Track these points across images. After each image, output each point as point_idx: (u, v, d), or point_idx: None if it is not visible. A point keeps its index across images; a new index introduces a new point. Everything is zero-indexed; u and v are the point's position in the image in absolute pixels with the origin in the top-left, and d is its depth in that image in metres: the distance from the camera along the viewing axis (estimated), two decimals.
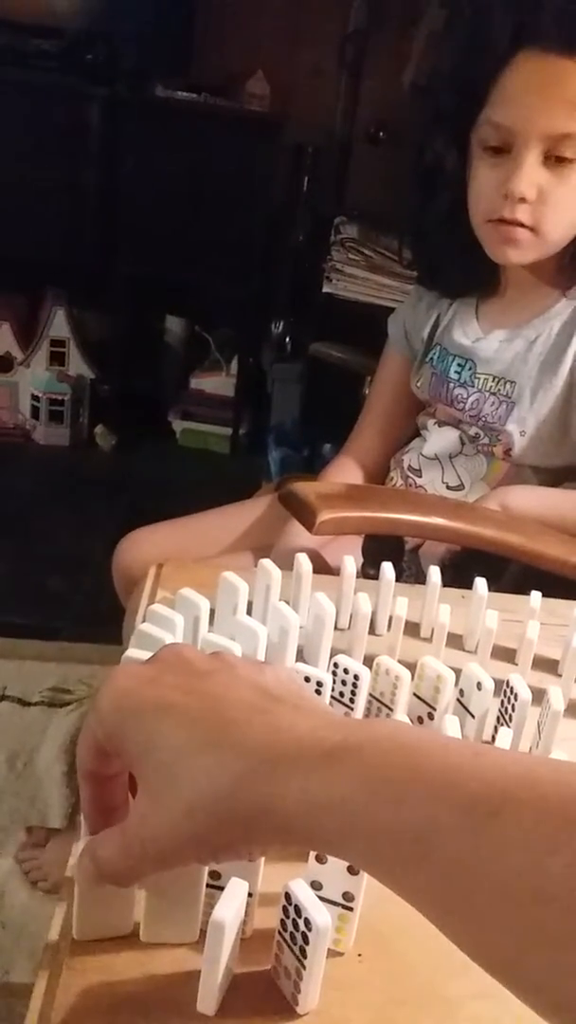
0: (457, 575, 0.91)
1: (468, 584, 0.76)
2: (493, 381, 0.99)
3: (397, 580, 0.83)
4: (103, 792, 0.41)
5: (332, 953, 0.44)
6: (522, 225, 0.90)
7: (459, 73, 0.94)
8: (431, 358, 1.07)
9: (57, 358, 2.75)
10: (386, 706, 0.60)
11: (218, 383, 2.87)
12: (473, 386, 1.01)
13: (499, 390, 0.98)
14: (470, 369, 1.02)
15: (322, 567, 0.89)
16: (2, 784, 1.44)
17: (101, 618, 1.36)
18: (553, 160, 0.87)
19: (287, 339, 2.63)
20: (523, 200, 0.88)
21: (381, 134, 2.54)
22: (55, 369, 2.75)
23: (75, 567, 2.03)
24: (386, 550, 0.98)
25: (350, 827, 0.34)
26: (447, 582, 0.93)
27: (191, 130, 2.51)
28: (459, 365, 1.03)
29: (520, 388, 0.96)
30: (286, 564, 0.74)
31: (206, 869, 0.42)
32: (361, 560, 1.00)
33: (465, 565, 0.94)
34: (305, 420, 2.04)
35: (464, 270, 1.01)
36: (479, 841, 0.31)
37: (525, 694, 0.60)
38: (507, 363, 0.98)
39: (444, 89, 0.97)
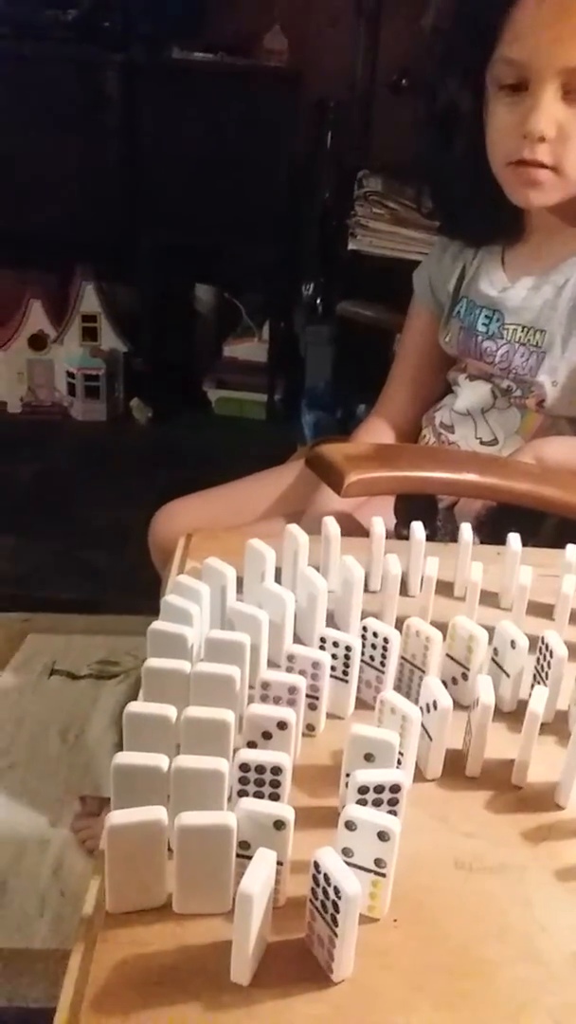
0: (493, 532, 0.89)
1: (504, 541, 0.74)
2: (522, 331, 0.96)
3: (431, 539, 0.81)
4: None
5: (367, 919, 0.44)
6: (543, 166, 0.86)
7: (470, 10, 0.90)
8: (458, 311, 1.04)
9: (89, 333, 2.75)
10: (418, 668, 0.59)
11: (251, 349, 2.85)
12: (502, 338, 0.98)
13: (529, 340, 0.95)
14: (498, 320, 0.99)
15: (355, 529, 0.87)
16: (56, 757, 1.47)
17: (143, 590, 1.36)
18: (573, 95, 0.84)
19: (318, 300, 2.59)
20: (543, 139, 0.85)
21: (404, 82, 2.46)
22: (88, 345, 2.75)
23: (117, 541, 2.05)
24: (419, 510, 0.96)
25: None
26: (483, 539, 0.91)
27: (210, 91, 2.47)
28: (487, 317, 1.00)
29: (550, 336, 0.93)
30: (318, 529, 0.73)
31: (235, 839, 0.42)
32: (394, 521, 0.98)
33: (501, 521, 0.92)
34: (337, 381, 2.01)
35: (486, 217, 0.98)
36: None
37: (561, 650, 0.58)
38: (536, 311, 0.95)
39: (456, 28, 0.93)
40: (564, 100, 0.84)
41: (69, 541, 2.13)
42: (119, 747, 0.48)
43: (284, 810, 0.43)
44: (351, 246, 1.85)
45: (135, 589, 1.84)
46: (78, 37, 2.41)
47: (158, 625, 0.56)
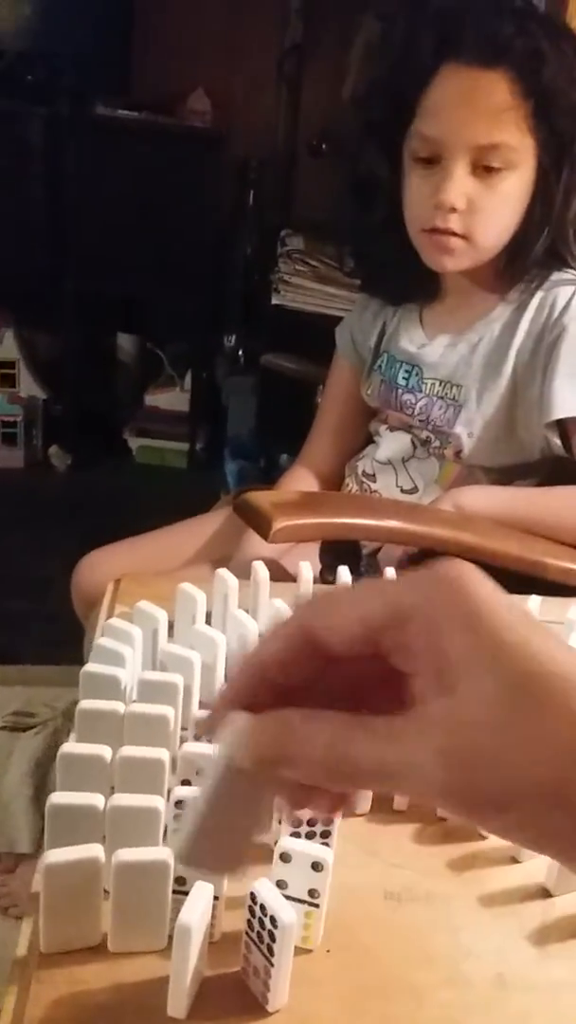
0: None
1: None
2: (440, 385, 1.01)
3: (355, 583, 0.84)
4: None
5: (300, 950, 0.45)
6: (455, 234, 0.92)
7: (389, 86, 0.96)
8: (379, 365, 1.08)
9: (7, 380, 2.72)
10: None
11: (173, 398, 2.86)
12: (421, 391, 1.03)
13: (446, 394, 1.00)
14: (417, 375, 1.03)
15: (281, 575, 0.89)
16: None
17: (62, 640, 1.35)
18: (482, 169, 0.90)
19: (240, 351, 2.63)
20: (454, 210, 0.90)
21: (323, 146, 2.57)
22: (6, 391, 2.72)
23: (35, 590, 2.01)
24: (343, 555, 0.99)
25: None
26: None
27: (134, 148, 2.52)
28: (406, 371, 1.04)
29: (466, 391, 0.98)
30: (245, 574, 0.74)
31: (171, 876, 0.43)
32: (319, 566, 1.01)
33: (422, 566, 0.95)
34: (260, 431, 2.05)
35: (405, 278, 1.03)
36: None
37: None
38: (452, 367, 1.00)
39: (375, 102, 0.99)
40: (474, 174, 0.90)
41: None
42: (35, 801, 0.48)
43: None
44: (275, 300, 1.91)
45: (54, 639, 1.81)
46: (2, 89, 2.44)
47: (91, 667, 0.57)
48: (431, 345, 1.03)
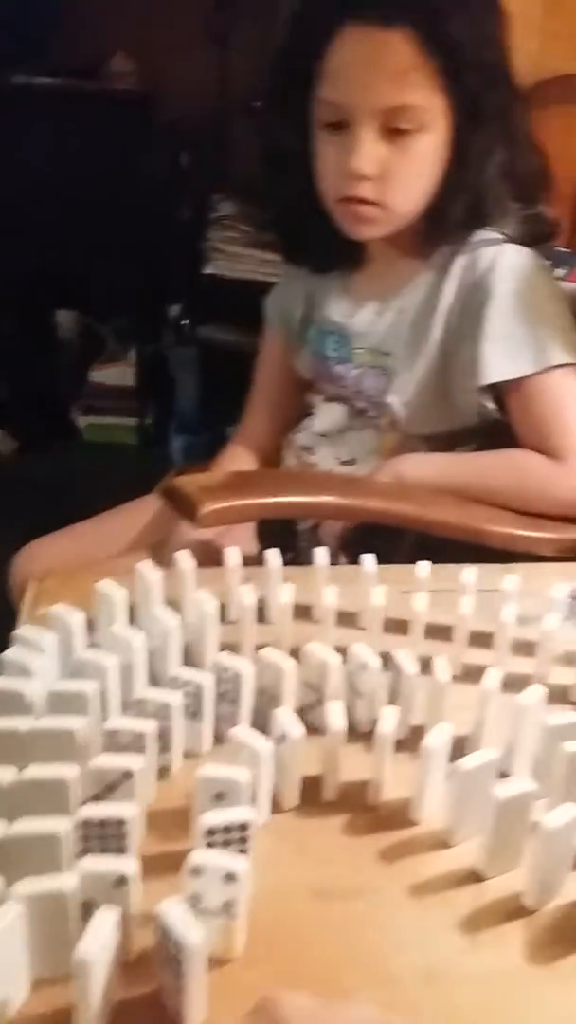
0: (357, 551, 0.90)
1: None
2: (370, 354, 0.98)
3: (296, 562, 0.82)
4: None
5: (221, 962, 0.43)
6: (369, 202, 0.88)
7: (290, 51, 0.92)
8: (308, 337, 1.05)
9: None
10: (274, 698, 0.59)
11: (118, 374, 2.80)
12: (351, 361, 1.00)
13: (377, 362, 0.98)
14: (346, 344, 1.01)
15: (218, 559, 0.87)
16: None
17: (8, 636, 1.32)
18: (392, 132, 0.86)
19: (185, 322, 2.58)
20: (365, 177, 0.87)
21: (258, 105, 2.49)
22: None
23: None
24: (279, 533, 0.97)
25: None
26: (349, 559, 0.92)
27: (57, 116, 2.43)
28: (335, 341, 1.02)
29: (396, 358, 0.96)
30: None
31: (74, 902, 0.41)
32: (257, 547, 0.99)
33: (364, 540, 0.93)
34: (204, 405, 2.01)
35: (326, 247, 0.99)
36: None
37: (410, 668, 0.59)
38: (381, 335, 0.97)
39: (278, 69, 0.95)
40: (384, 138, 0.86)
41: None
42: None
43: (125, 865, 0.42)
44: (207, 270, 1.85)
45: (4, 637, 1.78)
46: None
47: None
48: (358, 313, 1.00)
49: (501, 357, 0.89)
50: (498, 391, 0.92)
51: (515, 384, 0.90)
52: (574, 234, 1.07)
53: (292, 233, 1.04)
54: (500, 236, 0.92)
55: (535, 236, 0.94)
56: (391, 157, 0.86)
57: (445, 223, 0.91)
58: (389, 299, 0.97)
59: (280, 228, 1.07)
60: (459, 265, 0.92)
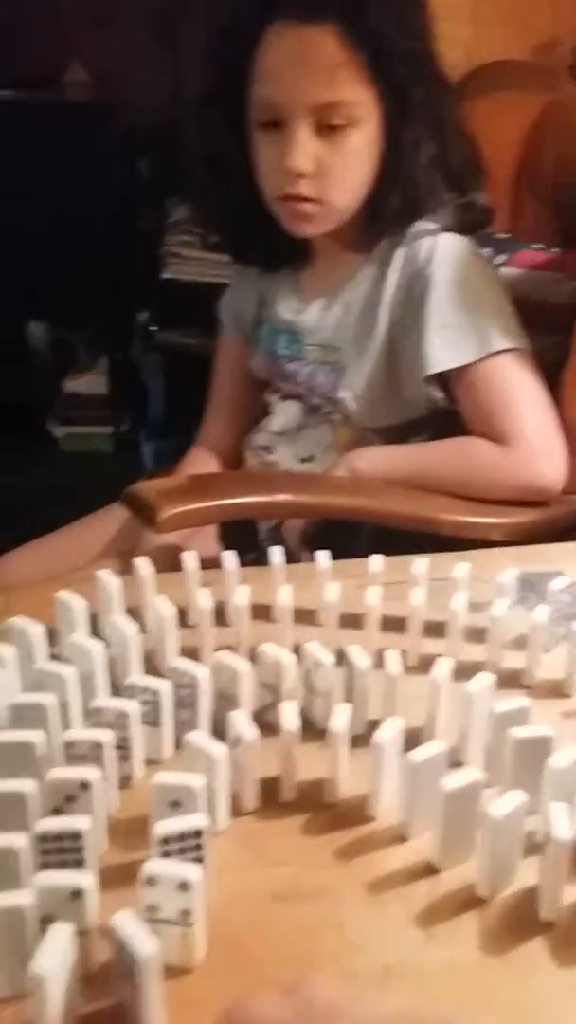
0: (319, 546, 0.91)
1: (333, 553, 0.75)
2: (321, 350, 0.99)
3: (258, 562, 0.82)
4: None
5: (180, 971, 0.44)
6: (308, 199, 0.89)
7: (222, 52, 0.92)
8: (260, 336, 1.06)
9: None
10: (231, 700, 0.60)
11: (92, 383, 2.81)
12: (304, 359, 1.01)
13: (328, 358, 0.98)
14: (298, 342, 1.01)
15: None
16: None
17: None
18: (327, 129, 0.87)
19: (153, 328, 2.58)
20: (302, 175, 0.87)
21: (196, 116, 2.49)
22: None
23: None
24: (240, 533, 0.97)
25: None
26: (312, 555, 0.93)
27: (14, 128, 2.43)
28: (287, 339, 1.02)
29: (345, 353, 0.97)
30: (158, 565, 0.72)
31: (30, 918, 0.41)
32: (220, 549, 0.99)
33: (325, 533, 0.94)
34: (172, 410, 2.01)
35: (271, 246, 1.00)
36: None
37: (362, 663, 0.60)
38: (330, 330, 0.98)
39: (210, 71, 0.95)
40: (319, 134, 0.87)
41: None
42: None
43: (81, 879, 0.42)
44: (165, 275, 1.86)
45: None
46: None
47: None
48: (308, 310, 1.01)
49: (444, 346, 0.90)
50: (445, 380, 0.93)
51: (460, 372, 0.91)
52: (513, 220, 1.08)
53: (237, 233, 1.05)
54: (436, 226, 0.93)
55: (471, 224, 0.95)
56: (326, 153, 0.87)
57: (382, 216, 0.92)
58: (335, 294, 0.98)
59: (225, 229, 1.08)
60: (399, 257, 0.93)
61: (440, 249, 0.91)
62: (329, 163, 0.87)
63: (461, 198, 0.94)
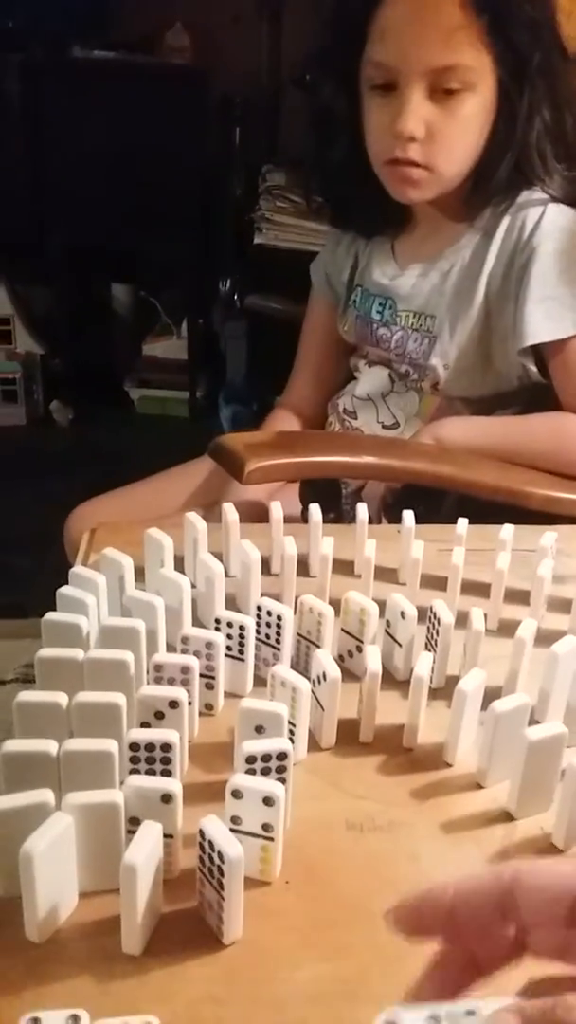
0: (399, 512, 0.91)
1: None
2: (414, 317, 0.99)
3: (339, 522, 0.84)
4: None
5: (259, 883, 0.45)
6: (416, 164, 0.89)
7: (338, 13, 0.92)
8: (353, 300, 1.06)
9: (3, 336, 2.71)
10: (313, 643, 0.61)
11: (170, 347, 2.84)
12: (396, 324, 1.00)
13: (420, 325, 0.98)
14: (391, 308, 1.01)
15: (266, 517, 0.89)
16: None
17: None
18: (441, 93, 0.86)
19: (235, 296, 2.60)
20: (413, 139, 0.87)
21: (308, 77, 2.48)
22: (3, 348, 2.71)
23: (40, 545, 2.01)
24: (323, 494, 0.98)
25: None
26: (390, 519, 0.94)
27: (113, 89, 2.45)
28: (380, 304, 1.02)
29: (440, 321, 0.96)
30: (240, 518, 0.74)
31: (123, 815, 0.43)
32: (300, 506, 1.00)
33: (405, 501, 0.94)
34: (252, 375, 2.03)
35: (373, 210, 1.00)
36: None
37: (447, 618, 0.60)
38: (425, 297, 0.98)
39: (326, 31, 0.96)
40: (432, 99, 0.86)
41: None
42: None
43: (171, 784, 0.44)
44: (257, 240, 1.87)
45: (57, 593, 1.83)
46: None
47: (51, 616, 0.57)
48: (403, 276, 1.00)
49: (544, 318, 0.89)
50: (540, 353, 0.92)
51: (557, 346, 0.90)
52: None
53: (339, 197, 1.05)
54: (545, 196, 0.92)
55: None
56: (439, 118, 0.87)
57: (490, 184, 0.91)
58: (434, 261, 0.98)
59: (327, 192, 1.08)
60: (504, 226, 0.92)
61: (547, 220, 0.90)
62: (441, 128, 0.87)
63: (573, 170, 0.92)
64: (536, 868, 0.31)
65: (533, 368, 0.93)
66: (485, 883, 0.32)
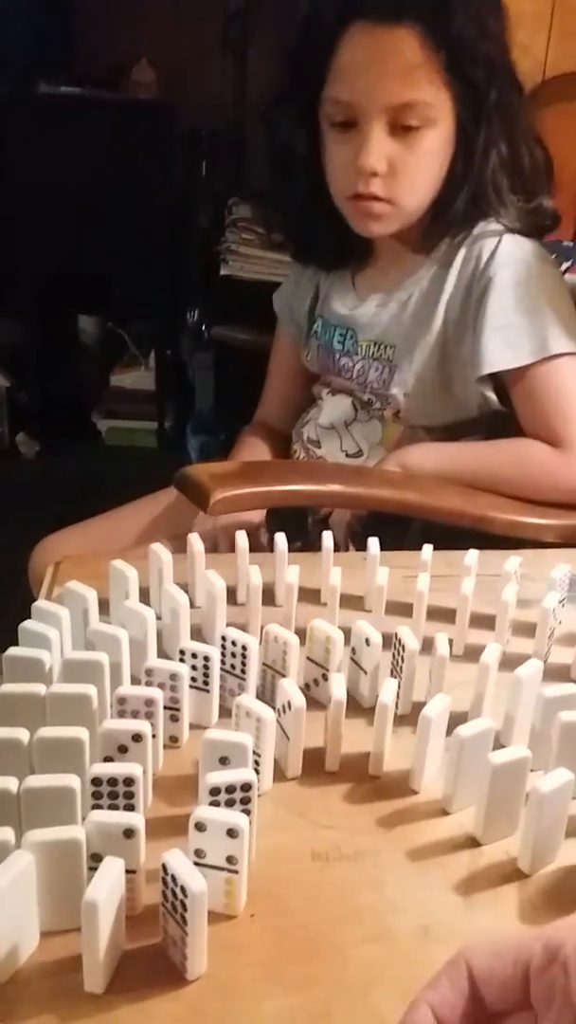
0: (365, 539, 0.92)
1: (380, 548, 0.76)
2: (374, 346, 1.00)
3: (307, 550, 0.83)
4: None
5: (223, 917, 0.45)
6: (379, 199, 0.90)
7: (298, 52, 0.94)
8: (315, 331, 1.08)
9: None
10: (279, 672, 0.61)
11: (138, 378, 2.85)
12: (357, 354, 1.02)
13: (380, 354, 0.99)
14: (352, 337, 1.03)
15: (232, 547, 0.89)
16: None
17: None
18: (400, 129, 0.88)
19: (203, 327, 2.61)
20: (375, 174, 0.89)
21: (268, 115, 2.52)
22: None
23: (8, 579, 2.00)
24: (289, 523, 0.99)
25: None
26: (358, 547, 0.94)
27: (80, 124, 2.47)
28: (341, 334, 1.04)
29: (399, 350, 0.98)
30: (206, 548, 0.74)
31: (84, 851, 0.43)
32: (267, 535, 1.00)
33: (371, 528, 0.95)
34: (220, 405, 2.04)
35: (335, 245, 1.02)
36: None
37: (412, 644, 0.61)
38: (384, 326, 0.99)
39: (286, 70, 0.98)
40: (392, 135, 0.88)
41: None
42: None
43: (134, 819, 0.44)
44: (223, 272, 1.89)
45: None
46: None
47: (13, 651, 0.56)
48: (363, 306, 1.02)
49: (501, 347, 0.90)
50: (499, 381, 0.93)
51: (517, 373, 0.91)
52: None
53: (301, 233, 1.07)
54: (500, 227, 0.94)
55: (537, 227, 0.96)
56: (399, 153, 0.88)
57: (447, 216, 0.93)
58: (393, 291, 1.00)
59: (290, 228, 1.10)
60: (461, 257, 0.94)
61: (503, 250, 0.92)
62: (402, 163, 0.89)
63: (529, 202, 0.94)
64: (481, 960, 0.33)
65: (492, 396, 0.94)
66: (448, 991, 0.33)
